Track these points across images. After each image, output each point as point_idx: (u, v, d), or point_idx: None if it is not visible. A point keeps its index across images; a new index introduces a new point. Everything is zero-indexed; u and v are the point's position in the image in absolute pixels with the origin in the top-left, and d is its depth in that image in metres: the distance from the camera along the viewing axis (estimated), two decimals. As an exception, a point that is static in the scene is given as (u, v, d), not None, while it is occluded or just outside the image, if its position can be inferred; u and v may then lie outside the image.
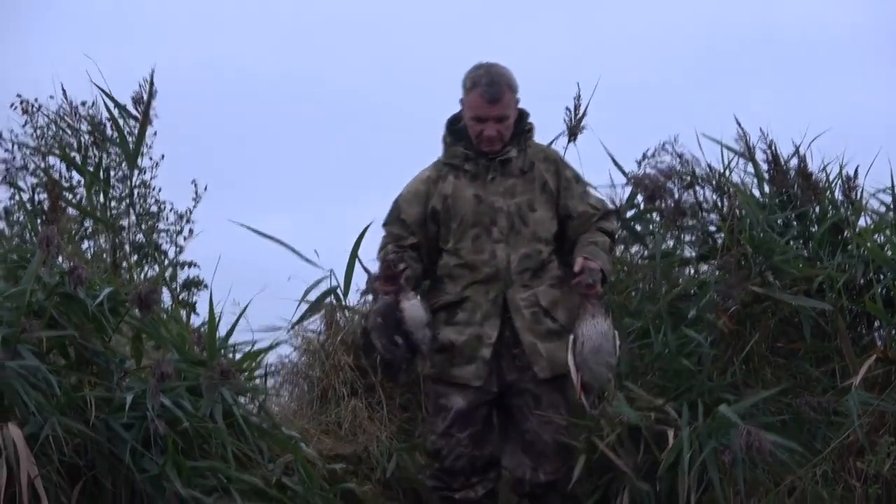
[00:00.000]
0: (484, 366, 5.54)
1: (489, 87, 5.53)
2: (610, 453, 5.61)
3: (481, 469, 5.58)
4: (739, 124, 6.63)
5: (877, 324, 6.28)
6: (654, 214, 6.56)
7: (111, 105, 7.03)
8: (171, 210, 8.29)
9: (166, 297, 6.98)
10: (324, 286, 6.78)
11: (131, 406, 5.21)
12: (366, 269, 6.75)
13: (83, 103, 7.59)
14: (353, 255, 6.78)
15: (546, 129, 6.20)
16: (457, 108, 5.73)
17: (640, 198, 6.52)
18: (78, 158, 7.43)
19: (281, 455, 5.73)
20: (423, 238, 5.64)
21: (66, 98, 7.55)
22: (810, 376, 6.16)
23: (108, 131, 7.40)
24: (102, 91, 7.04)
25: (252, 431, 5.64)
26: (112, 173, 7.74)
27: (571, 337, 5.44)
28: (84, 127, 7.56)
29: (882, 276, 6.22)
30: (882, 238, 6.40)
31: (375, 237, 6.71)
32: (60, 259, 5.97)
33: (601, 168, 6.59)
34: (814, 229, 6.46)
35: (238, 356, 6.09)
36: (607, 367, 5.46)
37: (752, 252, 6.25)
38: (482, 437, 5.59)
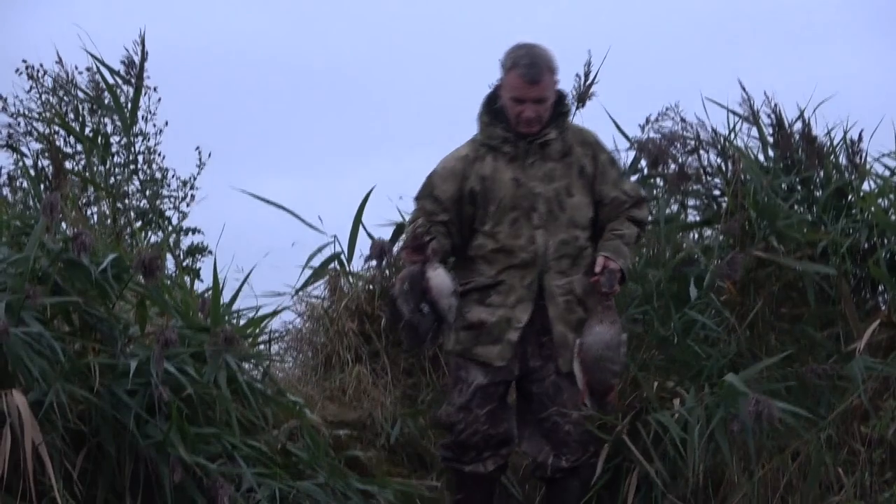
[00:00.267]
0: (509, 348, 5.51)
1: (529, 68, 5.48)
2: (628, 440, 5.63)
3: (494, 445, 5.58)
4: (744, 88, 6.63)
5: (881, 288, 6.29)
6: (658, 179, 6.55)
7: (105, 71, 7.02)
8: (174, 177, 8.28)
9: (170, 263, 6.99)
10: (327, 252, 6.79)
11: (135, 373, 5.22)
12: (369, 235, 6.76)
13: (78, 69, 7.60)
14: (357, 221, 6.79)
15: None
16: (473, 81, 5.69)
17: (643, 162, 6.52)
18: (77, 126, 7.43)
19: (285, 421, 5.74)
20: (456, 216, 5.59)
21: (62, 65, 7.55)
22: (814, 341, 6.16)
23: (107, 99, 7.40)
24: (95, 58, 7.04)
25: (256, 398, 5.64)
26: (116, 139, 7.74)
27: (578, 343, 5.45)
28: (80, 94, 7.56)
29: (886, 241, 6.22)
30: (886, 202, 6.39)
31: (378, 203, 6.76)
32: (64, 226, 5.97)
33: (605, 133, 6.57)
34: (818, 194, 6.46)
35: (242, 322, 6.09)
36: (611, 374, 5.50)
37: (755, 217, 6.25)
38: (498, 414, 5.57)
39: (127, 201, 7.60)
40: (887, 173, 6.49)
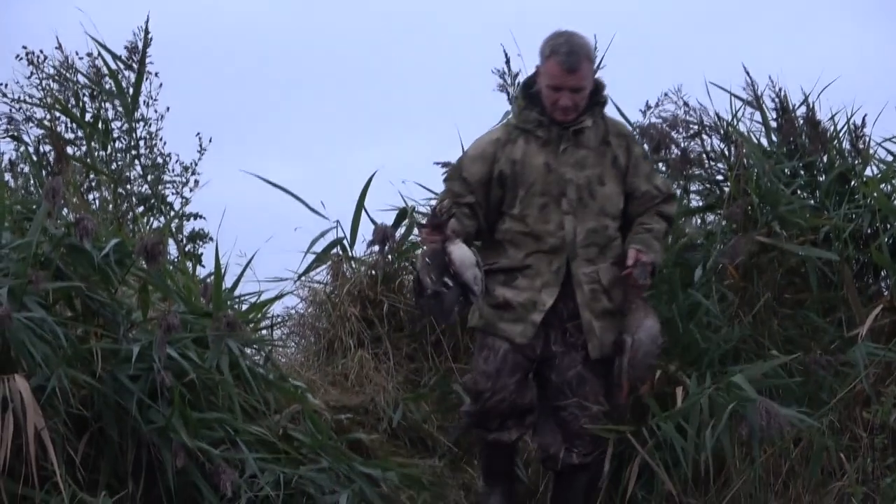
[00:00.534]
0: (532, 328, 5.49)
1: (568, 56, 5.45)
2: (633, 439, 5.63)
3: (518, 414, 5.55)
4: (748, 72, 6.62)
5: (883, 273, 6.29)
6: (661, 164, 6.54)
7: (107, 56, 7.00)
8: (176, 162, 8.27)
9: (172, 248, 6.99)
10: (330, 237, 6.79)
11: (138, 358, 5.22)
12: (372, 220, 6.76)
13: (79, 55, 7.59)
14: (360, 206, 6.78)
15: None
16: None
17: (645, 147, 6.51)
18: (77, 112, 7.42)
19: (287, 406, 5.74)
20: (483, 199, 5.56)
21: (62, 50, 7.54)
22: (817, 327, 6.17)
23: (107, 85, 7.39)
24: (98, 42, 7.02)
25: (259, 383, 5.65)
26: (118, 124, 7.74)
27: (629, 341, 5.44)
28: (81, 80, 7.55)
29: (888, 226, 6.22)
30: (889, 187, 6.40)
31: (381, 188, 6.75)
32: (66, 211, 5.97)
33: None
34: (821, 179, 6.46)
35: (244, 307, 6.10)
36: (652, 368, 5.56)
37: (758, 202, 6.25)
38: (524, 384, 5.54)
39: (129, 186, 7.60)
40: (890, 158, 6.49)
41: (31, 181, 7.09)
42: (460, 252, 5.33)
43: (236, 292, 6.02)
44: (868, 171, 6.45)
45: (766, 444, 5.62)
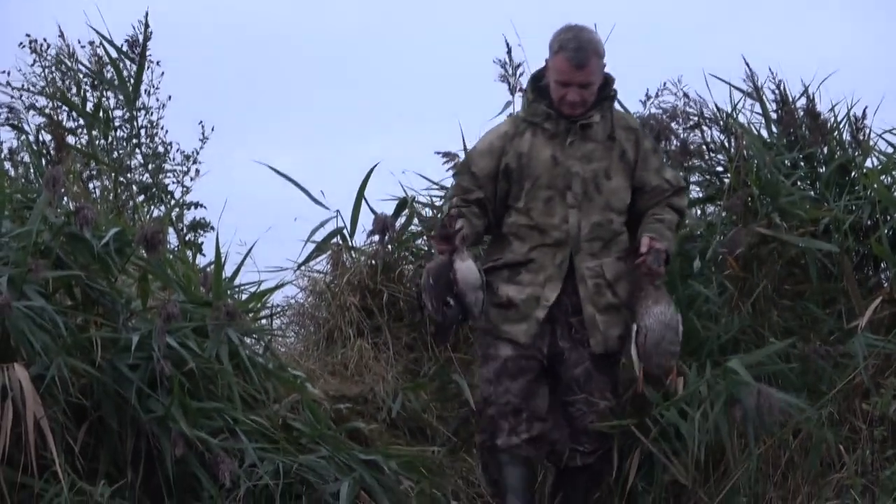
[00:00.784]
0: (536, 325, 5.49)
1: (576, 52, 5.44)
2: (636, 430, 5.63)
3: (526, 419, 5.51)
4: (748, 64, 6.61)
5: (883, 265, 6.29)
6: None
7: (109, 47, 7.00)
8: (177, 151, 8.27)
9: (172, 237, 7.00)
10: (330, 227, 6.79)
11: (137, 347, 5.23)
12: (372, 210, 6.76)
13: (81, 43, 7.59)
14: (360, 196, 6.78)
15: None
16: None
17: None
18: (78, 100, 7.42)
19: (287, 396, 5.74)
20: (491, 193, 5.56)
21: (64, 40, 7.54)
22: (817, 318, 6.17)
23: (109, 74, 7.39)
24: (99, 34, 7.02)
25: (258, 372, 5.65)
26: (119, 113, 7.74)
27: (635, 328, 5.44)
28: (82, 68, 7.55)
29: (888, 218, 6.21)
30: (889, 179, 6.39)
31: (381, 178, 6.75)
32: (66, 200, 5.97)
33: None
34: (821, 170, 6.45)
35: (244, 297, 6.10)
36: (671, 355, 5.49)
37: (758, 193, 6.24)
38: (531, 389, 5.52)
39: (129, 175, 7.60)
40: (890, 150, 6.48)
41: (31, 170, 7.09)
42: (465, 272, 5.37)
43: (236, 282, 6.03)
44: (868, 163, 6.45)
45: (763, 434, 5.62)
